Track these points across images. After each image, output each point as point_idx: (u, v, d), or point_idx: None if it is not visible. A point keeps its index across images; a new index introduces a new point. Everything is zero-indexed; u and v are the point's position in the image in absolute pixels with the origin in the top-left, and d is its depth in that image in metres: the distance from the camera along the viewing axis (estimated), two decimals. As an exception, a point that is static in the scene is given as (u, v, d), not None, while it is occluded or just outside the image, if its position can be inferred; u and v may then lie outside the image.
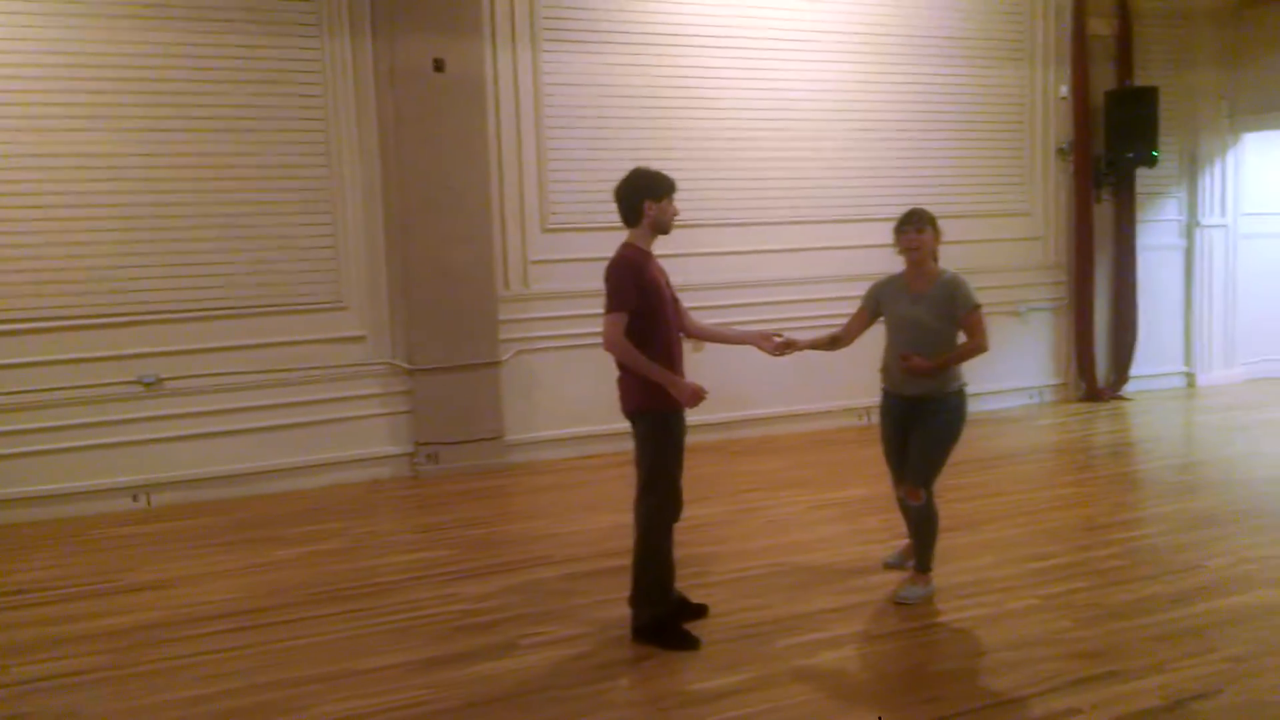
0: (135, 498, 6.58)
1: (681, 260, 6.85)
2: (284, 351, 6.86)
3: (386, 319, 7.10)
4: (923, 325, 4.40)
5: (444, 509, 6.37)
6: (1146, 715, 3.43)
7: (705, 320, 4.69)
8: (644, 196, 4.12)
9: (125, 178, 6.42)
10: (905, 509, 4.62)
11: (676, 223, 4.25)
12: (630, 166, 4.24)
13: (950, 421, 4.45)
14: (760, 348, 4.51)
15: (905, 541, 4.83)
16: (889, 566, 4.95)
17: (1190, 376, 10.05)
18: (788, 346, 4.48)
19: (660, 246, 4.24)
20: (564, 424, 7.56)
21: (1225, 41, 9.71)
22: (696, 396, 4.04)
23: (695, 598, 4.50)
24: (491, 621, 4.46)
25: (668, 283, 4.23)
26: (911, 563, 4.71)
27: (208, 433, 6.72)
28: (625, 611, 4.25)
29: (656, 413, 4.11)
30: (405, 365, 7.12)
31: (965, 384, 4.50)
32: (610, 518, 5.82)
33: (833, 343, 4.67)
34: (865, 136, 8.39)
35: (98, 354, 6.46)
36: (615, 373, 4.17)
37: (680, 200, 4.25)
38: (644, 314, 4.04)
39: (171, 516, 6.37)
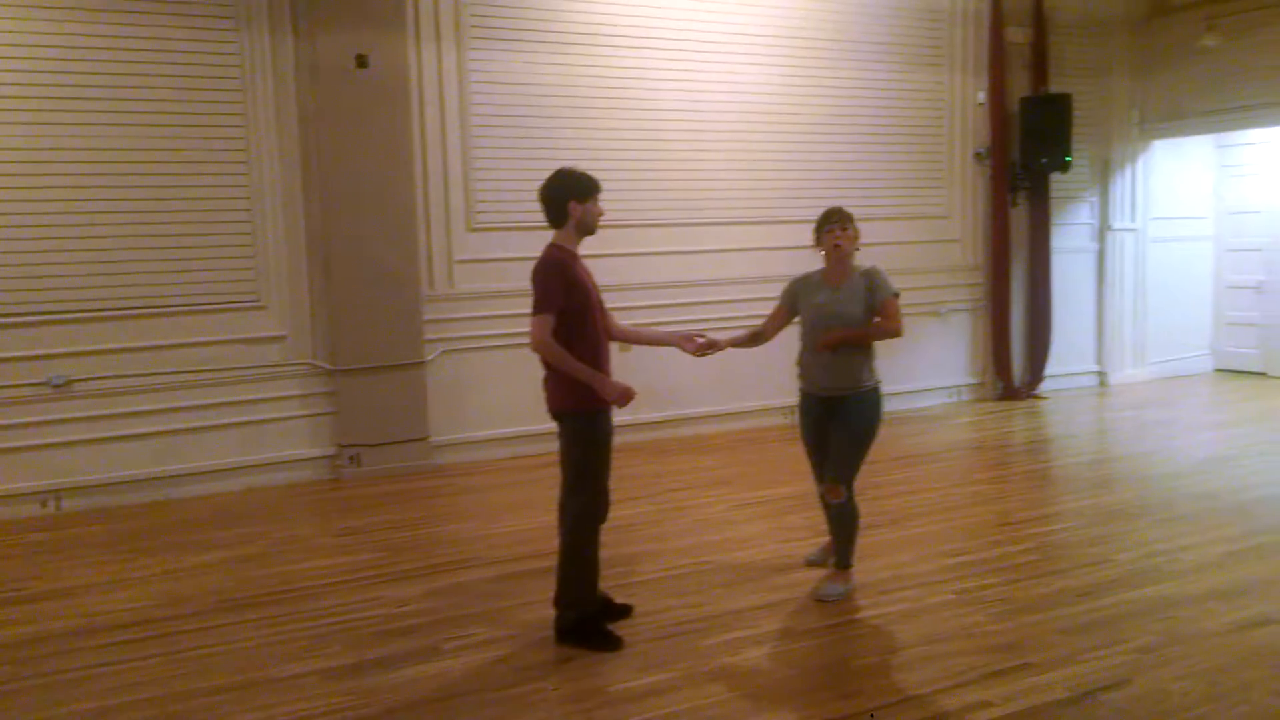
0: (45, 503, 6.36)
1: (607, 260, 6.84)
2: (200, 351, 6.71)
3: (307, 318, 6.98)
4: (841, 314, 4.46)
5: (367, 512, 6.28)
6: (1055, 707, 3.53)
7: (629, 321, 4.70)
8: (569, 197, 4.12)
9: (34, 172, 6.21)
10: (827, 506, 4.69)
11: (602, 223, 4.25)
12: (555, 165, 4.24)
13: (867, 418, 4.54)
14: (683, 348, 4.53)
15: (827, 538, 4.90)
16: (811, 563, 5.02)
17: (1102, 375, 10.36)
18: (710, 347, 4.52)
19: (585, 246, 4.24)
20: (491, 425, 7.52)
21: (1135, 51, 10.04)
22: (625, 396, 4.05)
23: (621, 598, 4.52)
24: (415, 625, 4.41)
25: (594, 283, 4.24)
26: (833, 559, 4.77)
27: (120, 435, 6.53)
28: (551, 613, 4.24)
29: (583, 413, 4.11)
30: (327, 366, 7.01)
31: (880, 381, 4.59)
32: (538, 518, 5.79)
33: (754, 339, 4.73)
34: (789, 139, 8.49)
35: (4, 354, 6.25)
36: (543, 373, 4.17)
37: (606, 201, 4.26)
38: (571, 314, 4.04)
39: (82, 522, 6.18)
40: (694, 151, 8.11)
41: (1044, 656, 3.93)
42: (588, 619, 4.18)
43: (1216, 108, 9.54)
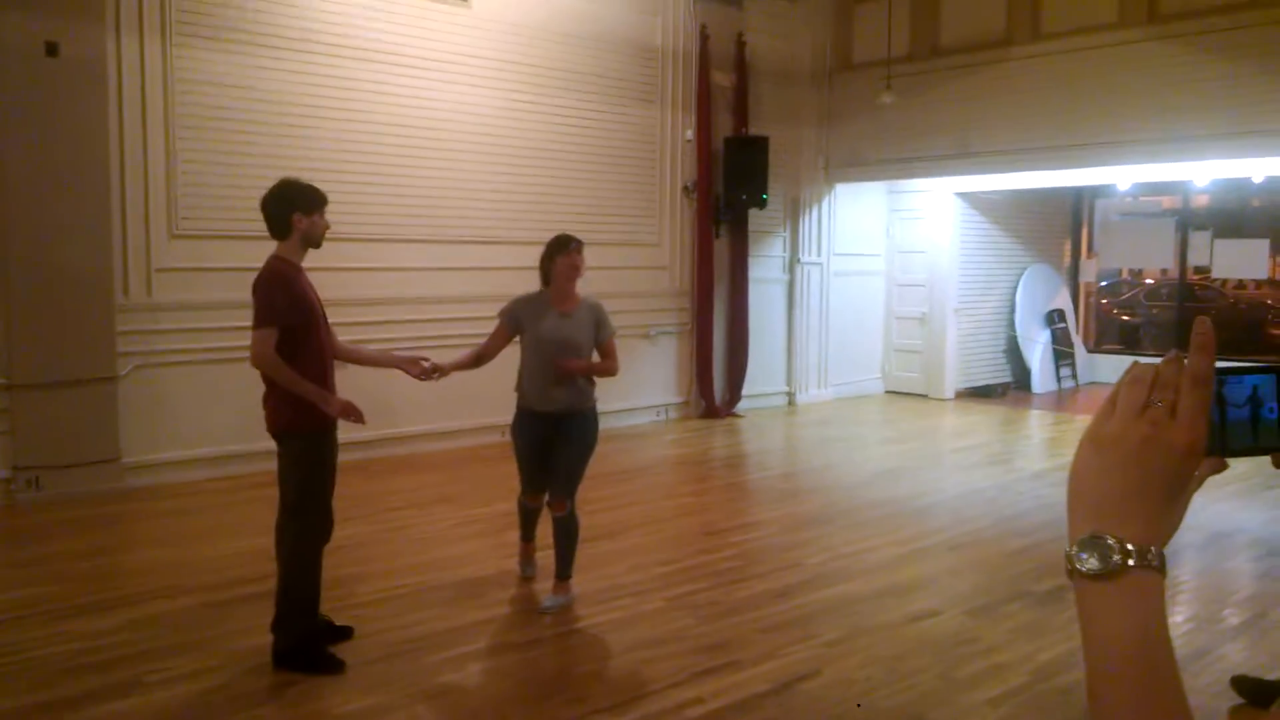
0: None
1: (320, 275, 6.67)
2: None
3: (-22, 327, 6.28)
4: (571, 342, 4.64)
5: (48, 540, 5.73)
6: (759, 699, 3.85)
7: (344, 338, 4.62)
8: (294, 209, 4.03)
9: None
10: (526, 514, 4.92)
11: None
12: (273, 173, 4.16)
13: (590, 433, 4.76)
14: (408, 372, 4.50)
15: (523, 545, 5.11)
16: (527, 577, 5.13)
17: (791, 395, 11.26)
18: (434, 371, 4.50)
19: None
20: (192, 444, 7.05)
21: (823, 102, 11.05)
22: (348, 411, 4.01)
23: (342, 619, 4.42)
24: (110, 659, 4.10)
25: (318, 298, 4.16)
26: (531, 570, 4.95)
27: None
28: (264, 640, 4.09)
29: (306, 432, 4.02)
30: (2, 380, 6.32)
31: (596, 400, 4.83)
32: (243, 542, 5.53)
33: (476, 360, 4.76)
34: (510, 162, 8.62)
35: None
36: (253, 389, 4.04)
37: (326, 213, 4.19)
38: (295, 329, 3.96)
39: None
40: (414, 168, 8.05)
41: (748, 654, 4.26)
42: (308, 643, 4.07)
43: (890, 157, 10.69)
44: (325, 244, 4.24)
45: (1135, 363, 0.85)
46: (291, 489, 4.05)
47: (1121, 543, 0.81)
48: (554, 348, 4.64)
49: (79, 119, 6.43)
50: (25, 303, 6.32)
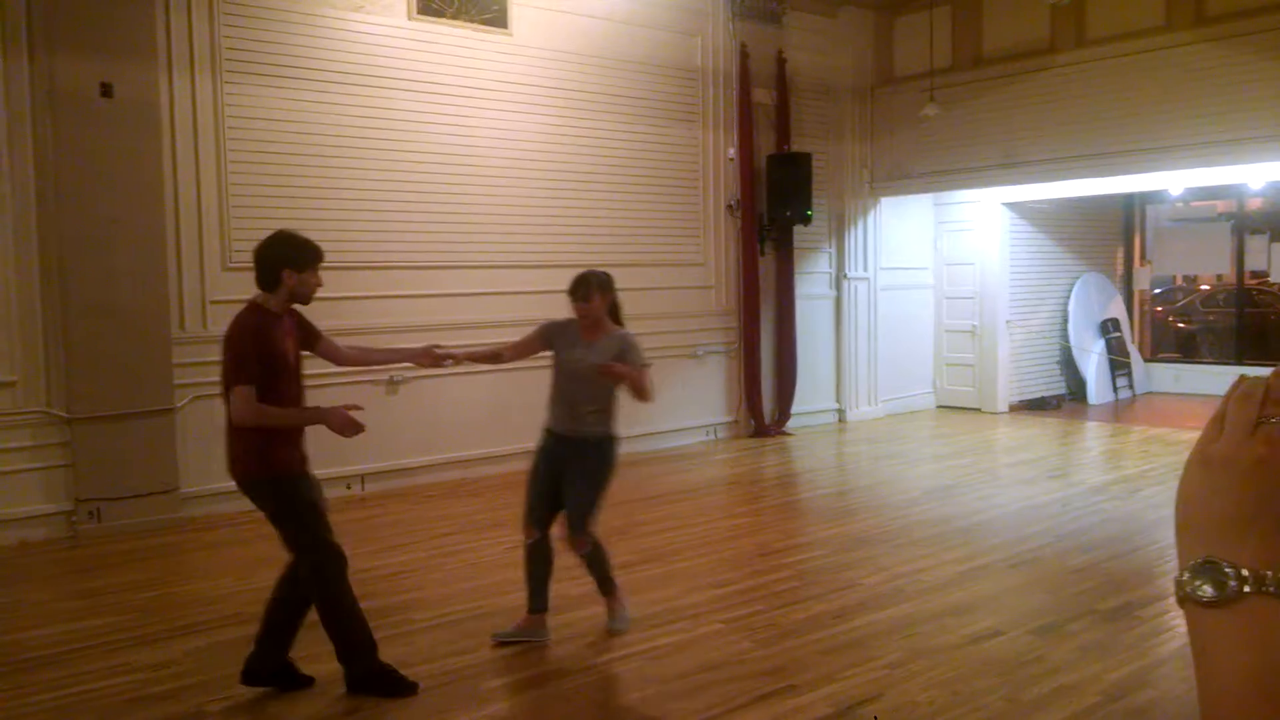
0: None
1: (377, 302, 6.75)
2: (-91, 400, 6.02)
3: (41, 363, 6.41)
4: (583, 367, 4.53)
5: (109, 571, 5.83)
6: (820, 722, 3.79)
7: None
8: (284, 265, 3.94)
9: None
10: (532, 563, 4.68)
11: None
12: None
13: (599, 463, 4.62)
14: (419, 364, 4.53)
15: (523, 617, 4.75)
16: (504, 641, 4.63)
17: (841, 412, 11.16)
18: (446, 357, 4.47)
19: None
20: (246, 473, 7.13)
21: (863, 116, 11.00)
22: (348, 422, 3.93)
23: (397, 645, 4.41)
24: (173, 689, 4.15)
25: (293, 348, 4.06)
26: (601, 594, 4.83)
27: None
28: (322, 667, 4.11)
29: (275, 479, 3.96)
30: (63, 414, 6.46)
31: (617, 434, 4.72)
32: (301, 570, 5.58)
33: (494, 358, 4.69)
34: (554, 186, 8.67)
35: None
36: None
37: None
38: (265, 382, 3.87)
39: None
40: (459, 195, 8.11)
41: (806, 677, 4.20)
42: (377, 667, 4.05)
43: (935, 170, 10.60)
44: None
45: (1243, 376, 0.80)
46: (289, 536, 3.99)
47: (1237, 568, 0.76)
48: (576, 375, 4.57)
49: (134, 157, 6.57)
50: (84, 338, 6.46)
